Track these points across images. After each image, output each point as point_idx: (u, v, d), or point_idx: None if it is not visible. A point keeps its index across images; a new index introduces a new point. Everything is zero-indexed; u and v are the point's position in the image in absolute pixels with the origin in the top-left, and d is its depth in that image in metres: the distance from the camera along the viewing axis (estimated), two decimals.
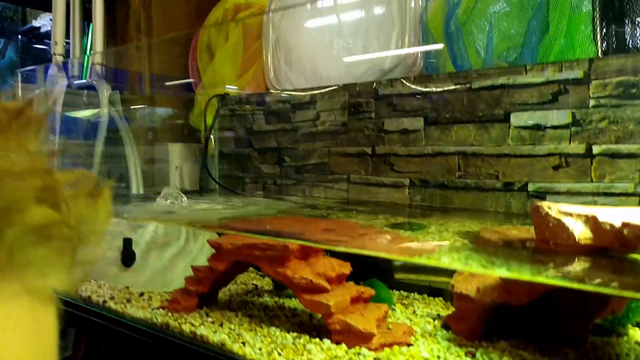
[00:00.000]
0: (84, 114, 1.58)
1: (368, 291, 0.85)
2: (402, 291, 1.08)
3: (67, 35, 1.73)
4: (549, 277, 0.54)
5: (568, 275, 0.57)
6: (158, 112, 1.70)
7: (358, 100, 1.24)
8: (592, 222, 0.62)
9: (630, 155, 0.90)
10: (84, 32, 1.79)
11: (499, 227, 0.84)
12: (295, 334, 0.83)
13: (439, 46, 1.12)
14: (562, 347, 0.75)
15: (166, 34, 1.67)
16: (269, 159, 1.45)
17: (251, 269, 1.21)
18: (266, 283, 1.16)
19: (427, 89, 1.13)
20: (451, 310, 0.90)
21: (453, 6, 1.12)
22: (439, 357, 0.73)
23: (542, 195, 0.99)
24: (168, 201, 1.15)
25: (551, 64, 0.97)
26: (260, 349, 0.78)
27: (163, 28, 1.67)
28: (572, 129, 0.95)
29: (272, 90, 1.44)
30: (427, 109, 1.13)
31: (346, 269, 0.86)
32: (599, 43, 0.97)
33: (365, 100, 1.23)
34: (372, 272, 0.99)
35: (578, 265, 0.60)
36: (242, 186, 1.52)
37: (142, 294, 1.08)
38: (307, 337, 0.82)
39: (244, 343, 0.81)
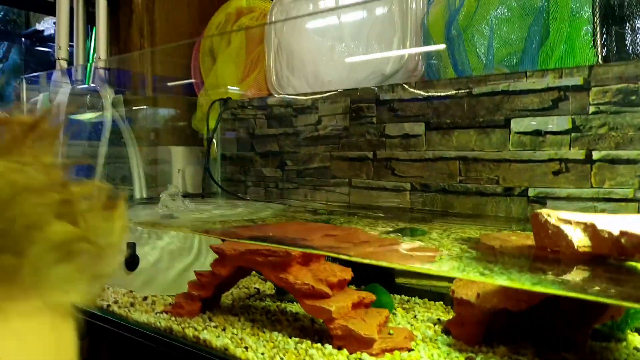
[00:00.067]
0: (87, 117, 1.59)
1: (369, 296, 0.86)
2: (403, 295, 1.09)
3: (71, 38, 1.74)
4: (547, 286, 0.55)
5: (567, 284, 0.58)
6: (160, 115, 1.71)
7: (359, 105, 1.25)
8: (590, 230, 0.63)
9: (629, 161, 0.91)
10: (87, 35, 1.80)
11: (499, 234, 0.84)
12: (297, 339, 0.84)
13: (441, 46, 1.13)
14: (562, 352, 0.75)
15: (169, 38, 1.68)
16: (271, 162, 1.46)
17: (253, 272, 1.21)
18: (268, 287, 1.17)
19: (428, 94, 1.13)
20: (452, 314, 0.91)
21: (454, 11, 1.13)
22: None
23: (542, 200, 0.99)
24: (168, 205, 1.16)
25: (551, 71, 0.97)
26: (262, 354, 0.79)
27: (166, 32, 1.68)
28: (572, 134, 0.96)
29: (274, 95, 1.45)
30: (428, 114, 1.13)
31: (347, 274, 0.86)
32: (599, 49, 0.98)
33: (367, 105, 1.24)
34: (373, 277, 1.00)
35: (577, 273, 0.61)
36: (244, 189, 1.53)
37: (145, 298, 1.09)
38: (309, 342, 0.82)
39: (246, 348, 0.82)
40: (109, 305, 1.06)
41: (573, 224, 0.64)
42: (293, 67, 1.41)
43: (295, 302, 1.03)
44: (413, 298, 1.07)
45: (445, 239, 0.81)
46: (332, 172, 1.31)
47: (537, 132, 0.99)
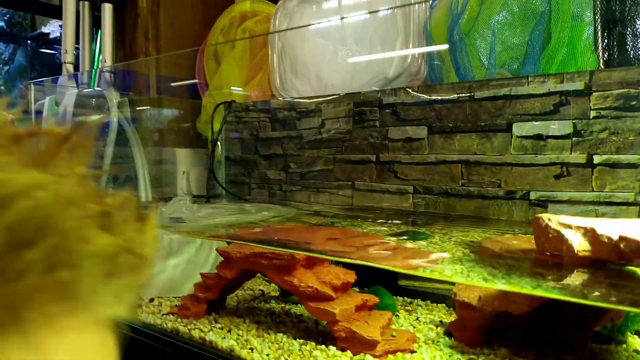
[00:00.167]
0: (92, 119, 1.61)
1: (372, 299, 0.87)
2: (405, 297, 1.10)
3: (76, 41, 1.75)
4: (548, 291, 0.56)
5: (567, 288, 0.59)
6: (165, 118, 1.73)
7: (362, 108, 1.26)
8: (590, 235, 0.64)
9: (630, 165, 0.91)
10: (93, 37, 1.82)
11: (501, 237, 0.85)
12: (301, 341, 0.85)
13: (444, 47, 1.14)
14: (562, 354, 0.77)
15: (174, 41, 1.70)
16: (275, 165, 1.47)
17: (258, 274, 1.23)
18: (272, 289, 1.19)
19: (431, 98, 1.15)
20: (454, 317, 0.92)
21: (456, 16, 1.14)
22: None
23: (543, 203, 1.00)
24: (177, 214, 1.17)
25: (552, 76, 0.98)
26: (268, 355, 0.81)
27: (171, 36, 1.69)
28: (573, 139, 0.97)
29: (278, 97, 1.46)
30: (431, 118, 1.15)
31: (351, 277, 0.88)
32: (600, 53, 0.99)
33: (370, 108, 1.25)
34: (376, 279, 1.01)
35: (576, 277, 0.62)
36: (248, 191, 1.54)
37: (152, 300, 1.11)
38: (313, 343, 0.84)
39: (252, 349, 0.83)
40: None
41: (573, 229, 0.65)
42: (297, 70, 1.43)
43: (299, 304, 1.04)
44: (415, 300, 1.08)
45: (448, 242, 0.82)
46: (335, 175, 1.32)
47: (539, 136, 1.00)
